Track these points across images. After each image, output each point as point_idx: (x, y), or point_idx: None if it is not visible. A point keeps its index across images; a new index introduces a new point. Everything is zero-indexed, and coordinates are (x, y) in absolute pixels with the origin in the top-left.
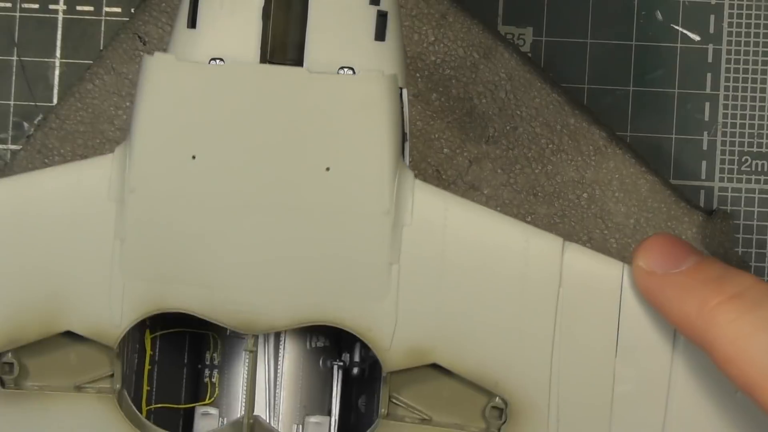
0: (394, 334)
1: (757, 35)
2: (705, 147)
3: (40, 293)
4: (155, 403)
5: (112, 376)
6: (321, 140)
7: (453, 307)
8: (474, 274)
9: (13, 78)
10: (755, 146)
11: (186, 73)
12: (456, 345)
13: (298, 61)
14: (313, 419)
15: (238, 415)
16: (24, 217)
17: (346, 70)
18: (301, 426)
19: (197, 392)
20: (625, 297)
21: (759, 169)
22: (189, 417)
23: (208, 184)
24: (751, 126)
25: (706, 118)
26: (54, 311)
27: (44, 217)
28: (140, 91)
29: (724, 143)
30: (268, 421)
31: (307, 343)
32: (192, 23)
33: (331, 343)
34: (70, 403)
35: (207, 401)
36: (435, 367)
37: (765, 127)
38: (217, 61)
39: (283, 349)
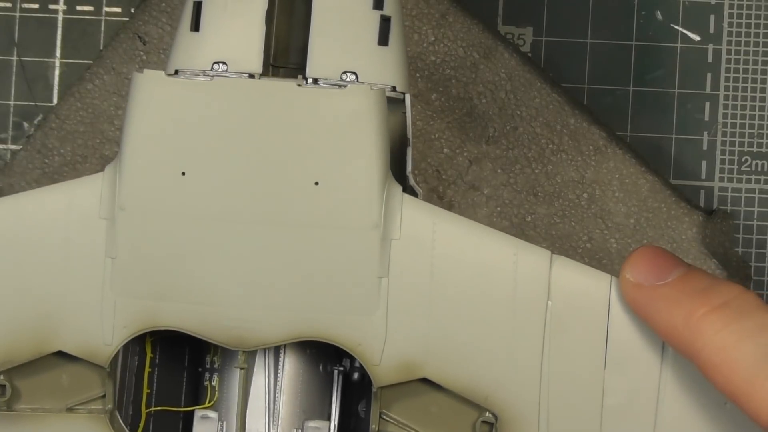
0: (384, 350)
1: (757, 35)
2: (705, 147)
3: (33, 314)
4: (155, 406)
5: (104, 396)
6: (310, 154)
7: (442, 322)
8: (463, 289)
9: (13, 78)
10: (755, 146)
11: (175, 89)
12: (446, 360)
13: (301, 65)
14: (312, 424)
15: (237, 421)
16: (15, 239)
17: (349, 74)
18: (300, 431)
19: (197, 395)
20: (614, 309)
21: (759, 169)
22: (189, 420)
23: (197, 200)
24: (751, 126)
25: (706, 118)
26: (46, 332)
27: (35, 238)
28: (130, 108)
29: (724, 143)
30: (267, 425)
31: (307, 348)
32: (195, 26)
33: (330, 349)
34: (62, 424)
35: (206, 405)
36: (425, 381)
37: (765, 127)
38: (220, 64)
39: (283, 353)
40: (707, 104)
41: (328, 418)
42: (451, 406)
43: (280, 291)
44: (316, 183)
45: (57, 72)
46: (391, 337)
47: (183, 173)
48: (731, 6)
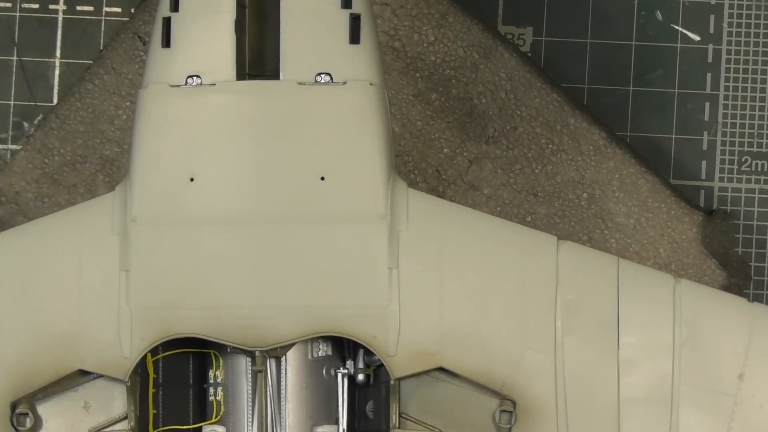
0: (399, 340)
1: (757, 35)
2: (705, 147)
3: (50, 336)
4: (162, 426)
5: (125, 418)
6: (314, 150)
7: (454, 310)
8: (472, 277)
9: (13, 78)
10: (755, 146)
11: (180, 98)
12: (460, 347)
13: (276, 72)
14: (320, 429)
15: None
16: (29, 264)
17: (323, 76)
18: None
19: (204, 412)
20: (622, 289)
21: (759, 169)
22: None
23: (207, 204)
24: (751, 126)
25: (706, 118)
26: (64, 352)
27: (49, 260)
28: (137, 123)
29: (724, 143)
30: None
31: (309, 354)
32: (166, 43)
33: (333, 352)
34: None
35: (213, 420)
36: (442, 373)
37: (765, 127)
38: (194, 78)
39: (285, 361)
40: (707, 104)
41: (336, 423)
42: (469, 395)
43: (293, 288)
44: (322, 178)
45: (57, 72)
46: (405, 327)
47: (192, 179)
48: (731, 6)
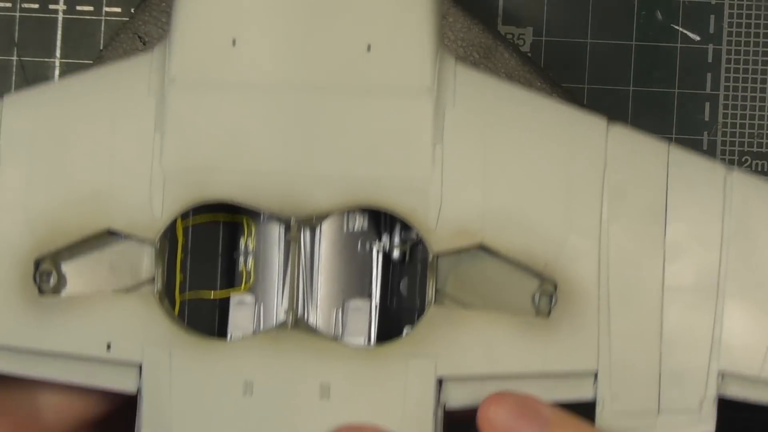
0: (439, 215)
1: (757, 35)
2: (705, 147)
3: (81, 192)
4: (189, 293)
5: (152, 280)
6: (362, 18)
7: (498, 189)
8: (518, 155)
9: (13, 78)
10: (755, 146)
11: None
12: (502, 226)
13: None
14: (353, 304)
15: (275, 303)
16: (62, 120)
17: None
18: (341, 311)
19: (232, 282)
20: (672, 176)
21: (759, 169)
22: (225, 307)
23: (248, 68)
24: (751, 126)
25: (706, 118)
26: (94, 210)
27: (83, 117)
28: None
29: (724, 143)
30: (305, 306)
31: (344, 226)
32: None
33: (369, 226)
34: (110, 306)
35: (242, 289)
36: (482, 252)
37: (765, 127)
38: None
39: (320, 232)
40: (707, 104)
41: (369, 297)
42: (508, 277)
43: (333, 158)
44: (369, 47)
45: (57, 72)
46: (447, 202)
47: (234, 42)
48: (731, 6)
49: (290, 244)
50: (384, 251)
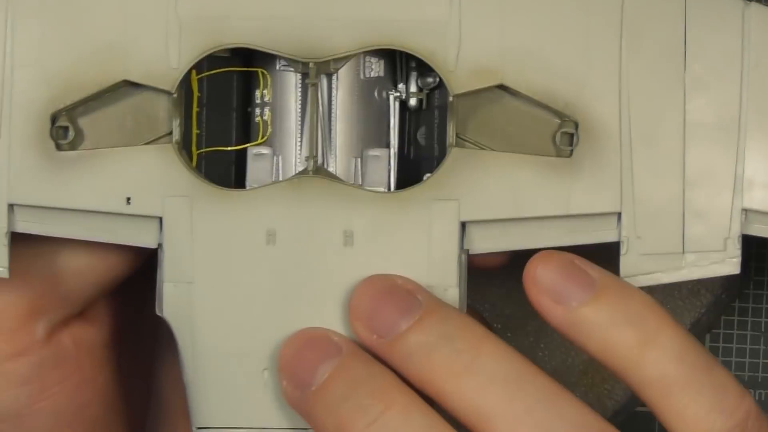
0: (458, 55)
1: None
2: None
3: (95, 46)
4: (206, 147)
5: (169, 134)
6: None
7: (517, 27)
8: None
9: None
10: None
11: None
12: (522, 65)
13: None
14: (371, 152)
15: (293, 154)
16: None
17: None
18: (359, 159)
19: (248, 136)
20: (690, 12)
21: None
22: (241, 160)
23: None
24: None
25: None
26: (110, 62)
27: None
28: None
29: None
30: (323, 155)
31: (361, 73)
32: None
33: (385, 74)
34: (128, 157)
35: (260, 141)
36: (502, 91)
37: None
38: None
39: (337, 79)
40: None
41: (387, 146)
42: (529, 115)
43: (350, 0)
44: None
45: None
46: (466, 42)
47: None
48: None
49: (308, 90)
50: (401, 99)
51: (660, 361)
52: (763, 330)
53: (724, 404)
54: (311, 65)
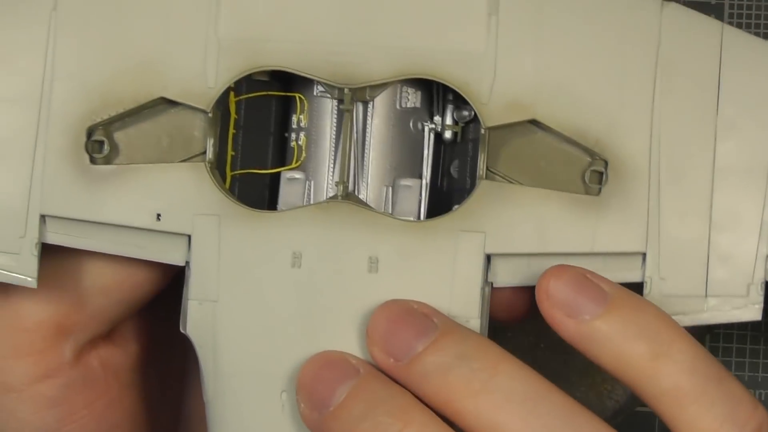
0: (492, 88)
1: (757, 35)
2: None
3: (134, 62)
4: (240, 169)
5: (203, 153)
6: None
7: (552, 63)
8: (573, 29)
9: None
10: None
11: None
12: (555, 101)
13: None
14: (403, 182)
15: (325, 179)
16: None
17: None
18: (391, 188)
19: (283, 160)
20: (726, 54)
21: None
22: (275, 183)
23: None
24: None
25: None
26: (148, 78)
27: None
28: None
29: None
30: (355, 181)
31: (397, 103)
32: None
33: (421, 105)
34: (162, 176)
35: (294, 165)
36: (534, 125)
37: None
38: None
39: (372, 107)
40: None
41: (420, 177)
42: (560, 151)
43: (388, 27)
44: None
45: None
46: (501, 75)
47: None
48: (731, 6)
49: (343, 116)
50: (436, 131)
51: (673, 374)
52: (763, 330)
53: (736, 416)
54: (346, 91)
